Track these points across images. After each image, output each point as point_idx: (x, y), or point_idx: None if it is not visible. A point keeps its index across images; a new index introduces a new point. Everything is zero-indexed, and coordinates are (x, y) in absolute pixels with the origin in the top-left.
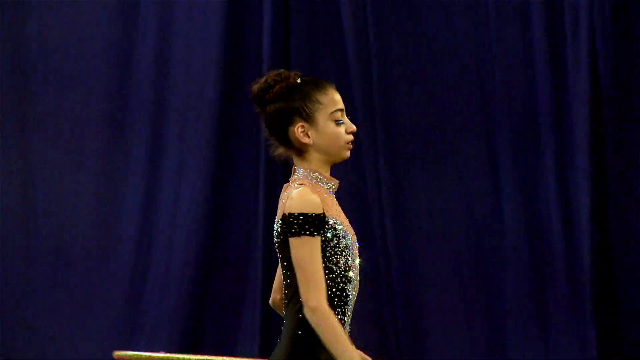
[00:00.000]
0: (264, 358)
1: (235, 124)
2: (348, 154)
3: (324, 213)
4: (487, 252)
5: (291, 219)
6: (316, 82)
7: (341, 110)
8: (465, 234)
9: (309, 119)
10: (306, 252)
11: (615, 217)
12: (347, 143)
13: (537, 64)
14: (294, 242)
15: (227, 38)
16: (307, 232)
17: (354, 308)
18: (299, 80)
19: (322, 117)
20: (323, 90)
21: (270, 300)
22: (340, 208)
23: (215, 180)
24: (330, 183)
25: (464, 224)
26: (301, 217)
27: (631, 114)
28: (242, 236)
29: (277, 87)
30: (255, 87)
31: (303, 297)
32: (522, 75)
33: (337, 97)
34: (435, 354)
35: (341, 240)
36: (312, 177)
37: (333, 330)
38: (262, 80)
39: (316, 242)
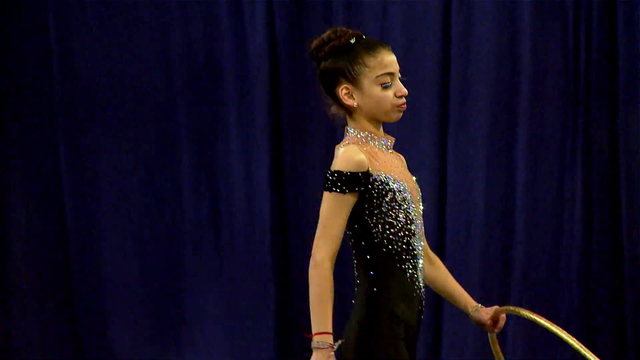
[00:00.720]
0: None
1: None
2: (397, 116)
3: (367, 172)
4: (168, 225)
5: (327, 175)
6: (368, 44)
7: (390, 73)
8: (144, 206)
9: (354, 81)
10: (331, 207)
11: (290, 187)
12: (397, 106)
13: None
14: (324, 196)
15: None
16: (338, 190)
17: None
18: (352, 40)
19: (367, 81)
20: (372, 53)
21: None
22: (398, 163)
23: None
24: (383, 140)
25: (144, 197)
26: (336, 174)
27: (305, 106)
28: None
29: (330, 44)
30: (314, 42)
31: (313, 250)
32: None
33: (388, 59)
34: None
35: (397, 194)
36: (363, 136)
37: (323, 292)
38: (321, 36)
39: (346, 200)
